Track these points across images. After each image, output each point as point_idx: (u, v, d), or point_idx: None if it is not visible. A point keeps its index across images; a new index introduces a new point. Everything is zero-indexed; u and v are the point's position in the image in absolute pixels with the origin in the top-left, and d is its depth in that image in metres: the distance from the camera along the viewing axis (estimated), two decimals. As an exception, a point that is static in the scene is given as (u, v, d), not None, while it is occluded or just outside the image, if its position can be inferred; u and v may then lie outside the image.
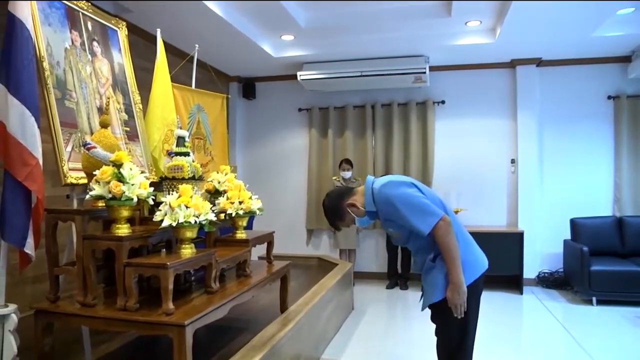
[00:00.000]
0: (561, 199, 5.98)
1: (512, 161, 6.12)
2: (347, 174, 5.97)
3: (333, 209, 2.32)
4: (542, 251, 5.97)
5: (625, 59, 5.75)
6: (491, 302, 5.22)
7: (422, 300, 2.25)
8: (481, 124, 6.22)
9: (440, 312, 2.14)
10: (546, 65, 6.01)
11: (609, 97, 5.88)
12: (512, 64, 6.04)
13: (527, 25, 4.68)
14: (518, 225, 5.93)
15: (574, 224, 5.56)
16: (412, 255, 2.30)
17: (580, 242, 5.31)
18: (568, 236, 5.65)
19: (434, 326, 2.29)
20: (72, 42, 2.82)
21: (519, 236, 5.58)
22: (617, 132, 5.83)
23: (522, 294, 5.57)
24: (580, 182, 5.95)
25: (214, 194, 3.15)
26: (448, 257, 2.03)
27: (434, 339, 2.30)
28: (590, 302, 5.06)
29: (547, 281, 5.86)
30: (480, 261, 2.20)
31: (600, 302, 5.01)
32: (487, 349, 3.80)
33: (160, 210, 2.37)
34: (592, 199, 5.88)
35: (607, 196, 5.88)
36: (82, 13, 2.98)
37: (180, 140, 2.87)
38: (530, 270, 5.80)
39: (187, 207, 2.33)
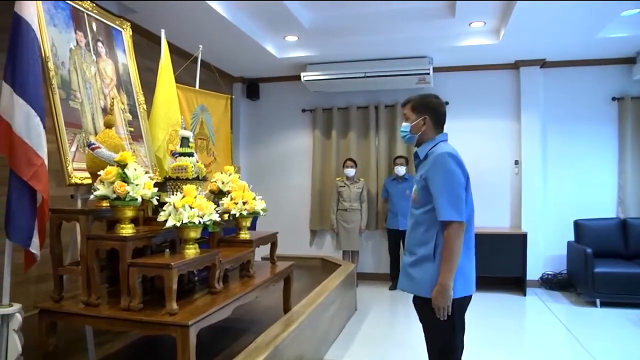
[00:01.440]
0: (565, 201, 5.96)
1: (516, 162, 6.11)
2: (351, 172, 5.98)
3: (427, 104, 2.31)
4: (546, 253, 5.94)
5: (630, 60, 5.73)
6: (494, 304, 5.22)
7: (399, 281, 2.26)
8: (484, 125, 6.20)
9: (428, 311, 2.11)
10: (550, 66, 5.99)
11: (614, 99, 5.86)
12: (516, 65, 6.03)
13: (531, 26, 4.66)
14: (521, 227, 5.90)
15: (578, 225, 5.55)
16: (410, 228, 2.22)
17: (584, 243, 5.29)
18: (572, 238, 5.63)
19: None
20: (77, 43, 2.84)
21: (523, 238, 5.56)
22: (621, 134, 5.80)
23: (525, 295, 5.55)
24: (584, 183, 5.93)
25: (217, 195, 3.16)
26: (446, 259, 2.02)
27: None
28: (593, 304, 5.04)
29: (551, 283, 5.84)
30: (473, 283, 2.20)
31: (603, 304, 4.99)
32: (489, 351, 3.80)
33: (164, 210, 2.37)
34: (596, 200, 5.86)
35: (611, 198, 5.86)
36: (87, 14, 2.99)
37: (185, 141, 2.88)
38: (533, 271, 5.77)
39: (191, 208, 2.34)
